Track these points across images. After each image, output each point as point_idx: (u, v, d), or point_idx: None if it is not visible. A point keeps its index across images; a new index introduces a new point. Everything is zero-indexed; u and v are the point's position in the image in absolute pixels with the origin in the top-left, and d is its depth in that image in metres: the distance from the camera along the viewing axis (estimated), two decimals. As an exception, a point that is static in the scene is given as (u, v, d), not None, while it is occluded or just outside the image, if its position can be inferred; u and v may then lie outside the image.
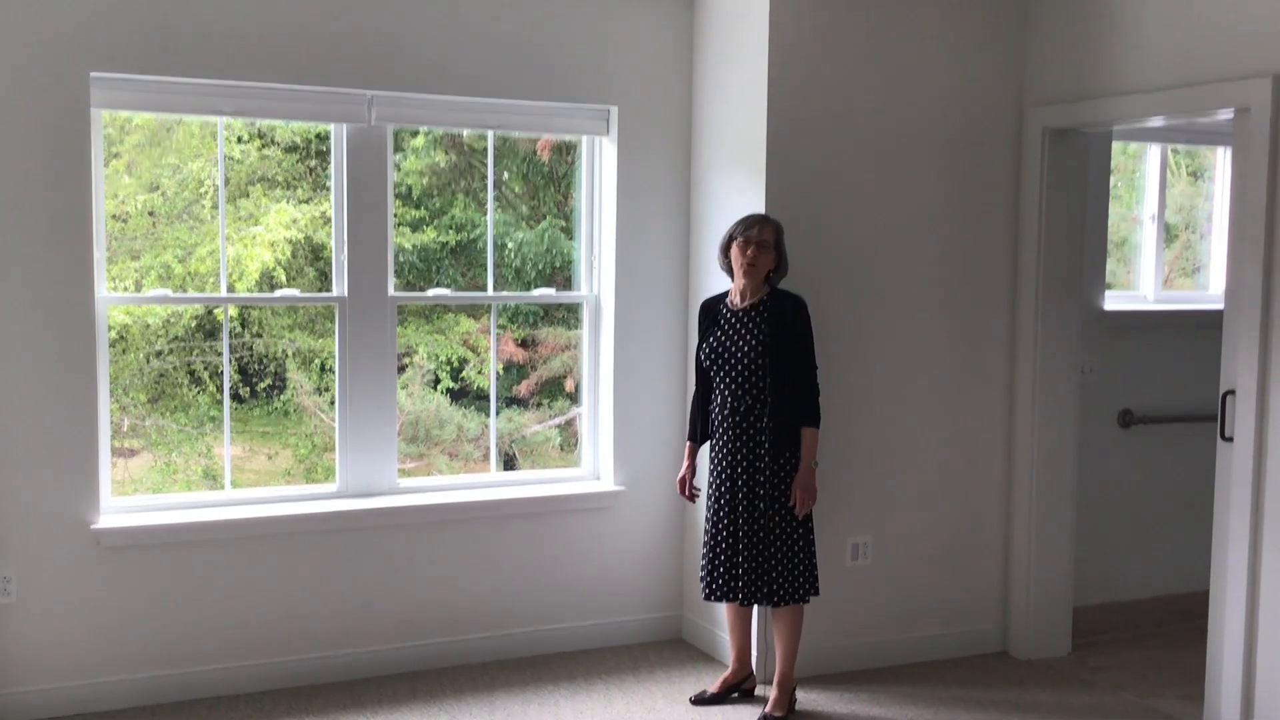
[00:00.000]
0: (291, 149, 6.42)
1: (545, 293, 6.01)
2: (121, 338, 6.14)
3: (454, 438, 6.73)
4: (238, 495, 4.88)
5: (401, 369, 6.44)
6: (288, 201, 6.33)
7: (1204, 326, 5.48)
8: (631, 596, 5.37)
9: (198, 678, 4.63)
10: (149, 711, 4.50)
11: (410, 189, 6.58)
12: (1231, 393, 4.30)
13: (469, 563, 5.05)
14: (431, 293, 5.98)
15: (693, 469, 4.72)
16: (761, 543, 4.42)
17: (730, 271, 4.56)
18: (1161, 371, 5.71)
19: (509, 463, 6.56)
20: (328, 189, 5.06)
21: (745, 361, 4.42)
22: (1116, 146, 5.83)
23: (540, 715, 4.55)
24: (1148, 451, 5.71)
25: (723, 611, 4.95)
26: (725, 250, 4.55)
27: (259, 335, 6.53)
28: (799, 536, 4.45)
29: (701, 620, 5.30)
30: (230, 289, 5.72)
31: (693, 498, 4.74)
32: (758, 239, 4.43)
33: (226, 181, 5.21)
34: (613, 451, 5.28)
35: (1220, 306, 4.48)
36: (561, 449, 6.61)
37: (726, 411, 4.48)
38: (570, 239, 5.93)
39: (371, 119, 4.80)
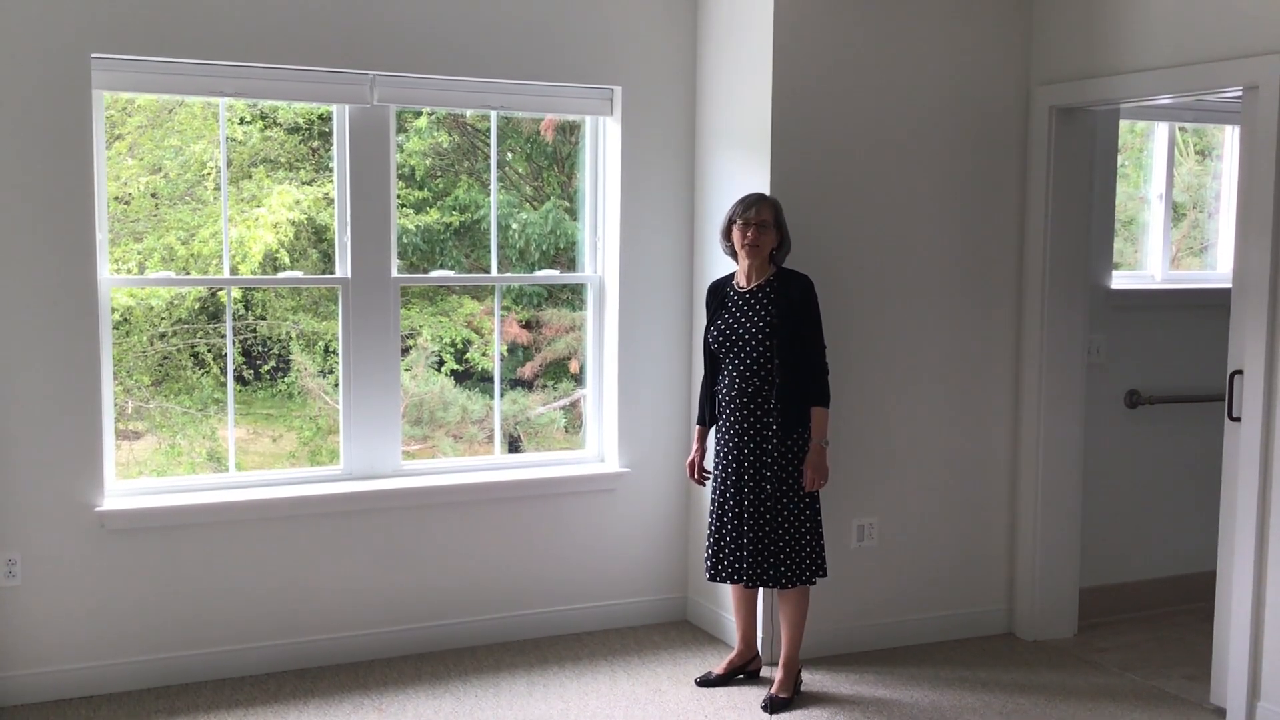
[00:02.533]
0: (294, 130, 6.40)
1: (549, 274, 5.99)
2: (125, 320, 6.13)
3: (458, 420, 6.72)
4: (242, 478, 4.87)
5: (405, 351, 6.42)
6: (290, 183, 6.31)
7: (1212, 306, 5.45)
8: (636, 578, 5.37)
9: (203, 660, 4.64)
10: (154, 694, 4.51)
11: (413, 170, 6.56)
12: (1239, 373, 4.29)
13: (473, 545, 5.05)
14: (435, 274, 5.97)
15: (702, 452, 4.70)
16: (768, 524, 4.41)
17: (733, 254, 4.54)
18: (1169, 351, 5.68)
19: (513, 445, 6.55)
20: (330, 170, 5.05)
21: (753, 342, 4.40)
22: (1124, 125, 5.79)
23: (545, 697, 4.55)
24: (1155, 432, 5.68)
25: (728, 593, 4.94)
26: (726, 234, 4.53)
27: (262, 317, 6.52)
28: (806, 518, 4.44)
29: (707, 602, 5.30)
30: (233, 271, 5.71)
31: (702, 481, 4.73)
32: (756, 219, 4.41)
33: (229, 163, 5.19)
34: (617, 433, 5.27)
35: (1228, 286, 4.46)
36: (566, 431, 6.60)
37: (734, 393, 4.46)
38: (574, 220, 5.91)
39: (374, 99, 4.78)
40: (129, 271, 5.84)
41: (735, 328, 4.45)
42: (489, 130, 5.37)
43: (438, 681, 4.69)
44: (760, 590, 4.75)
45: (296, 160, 6.44)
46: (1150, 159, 6.04)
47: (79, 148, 4.32)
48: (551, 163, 6.79)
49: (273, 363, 6.63)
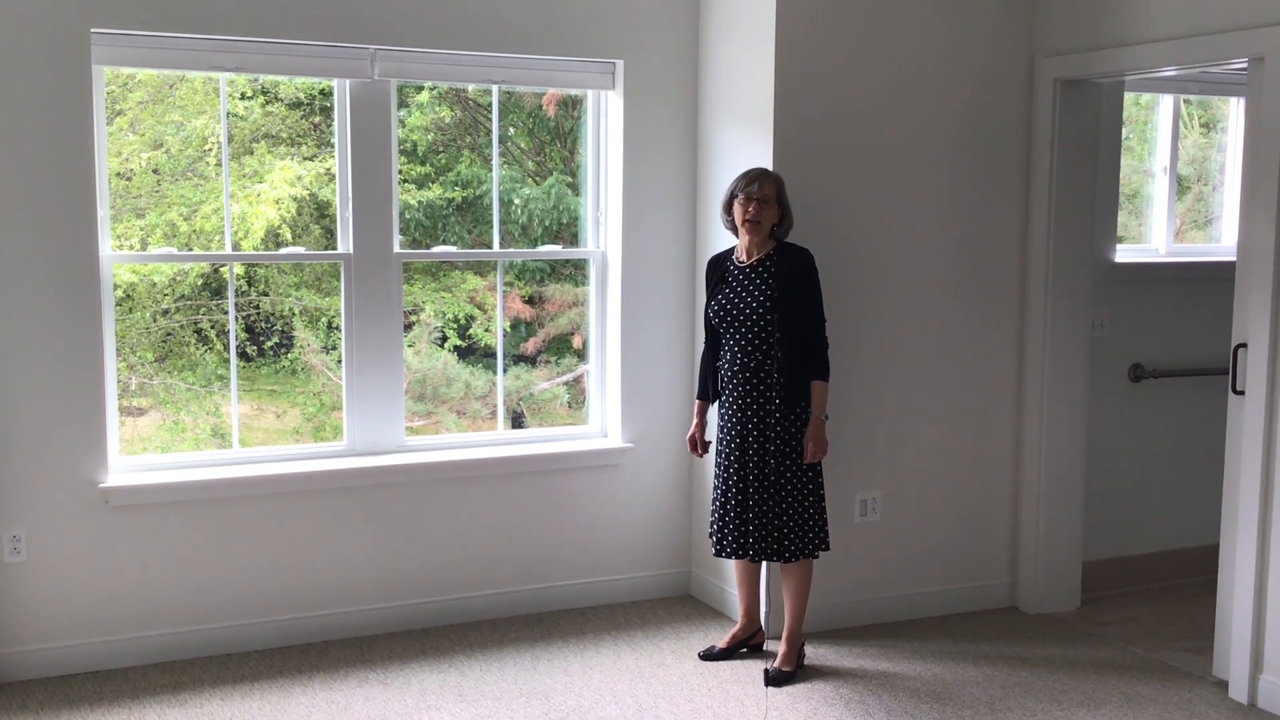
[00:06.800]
0: (295, 105, 6.39)
1: (552, 249, 5.99)
2: (128, 296, 6.13)
3: (461, 395, 6.73)
4: (246, 454, 4.88)
5: (408, 327, 6.42)
6: (292, 158, 6.30)
7: (1216, 279, 5.43)
8: (640, 553, 5.38)
9: (207, 635, 4.65)
10: (159, 669, 4.52)
11: (415, 145, 6.54)
12: (1243, 346, 4.28)
13: (477, 520, 5.05)
14: (437, 250, 5.96)
15: (702, 426, 4.70)
16: (772, 499, 4.41)
17: (734, 229, 4.53)
18: (1173, 325, 5.67)
19: (517, 420, 6.56)
20: (332, 146, 5.03)
21: (754, 317, 4.39)
22: (1129, 98, 5.76)
23: (549, 671, 4.57)
24: (1158, 406, 5.68)
25: (731, 568, 4.95)
26: (727, 208, 4.52)
27: (265, 294, 6.52)
28: (809, 492, 4.44)
29: (710, 576, 5.31)
30: (235, 247, 5.70)
31: (703, 454, 4.73)
32: (759, 194, 4.39)
33: (230, 138, 5.18)
34: (620, 408, 5.27)
35: (1232, 259, 4.44)
36: (569, 406, 6.61)
37: (736, 368, 4.46)
38: (577, 195, 5.89)
39: (375, 74, 4.76)
40: (131, 248, 5.84)
41: (736, 303, 4.45)
42: (491, 105, 5.36)
43: (442, 656, 4.70)
44: (764, 564, 4.76)
45: (298, 135, 6.43)
46: (1155, 131, 6.01)
47: (80, 123, 4.30)
48: (554, 137, 6.77)
49: (276, 339, 6.64)
